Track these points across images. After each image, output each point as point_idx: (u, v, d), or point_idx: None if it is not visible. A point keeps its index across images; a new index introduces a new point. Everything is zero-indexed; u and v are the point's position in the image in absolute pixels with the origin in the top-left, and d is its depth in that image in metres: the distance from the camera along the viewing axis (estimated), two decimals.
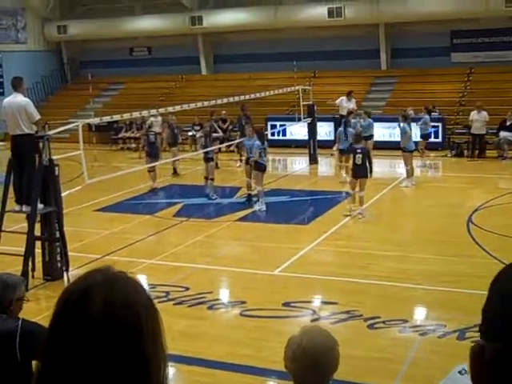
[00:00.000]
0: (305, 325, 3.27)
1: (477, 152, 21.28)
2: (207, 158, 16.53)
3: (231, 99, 18.02)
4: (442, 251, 11.50)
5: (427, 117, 20.35)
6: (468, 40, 27.17)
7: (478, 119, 21.01)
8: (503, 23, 26.09)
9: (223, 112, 22.79)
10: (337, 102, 22.56)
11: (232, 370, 7.44)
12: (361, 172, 14.19)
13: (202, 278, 10.71)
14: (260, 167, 15.13)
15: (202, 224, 14.16)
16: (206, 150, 16.56)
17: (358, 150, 14.29)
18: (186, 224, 14.27)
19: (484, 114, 21.09)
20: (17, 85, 10.85)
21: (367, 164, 14.18)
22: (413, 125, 17.58)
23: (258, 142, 15.11)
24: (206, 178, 16.59)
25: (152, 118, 21.38)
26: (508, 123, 21.32)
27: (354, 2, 27.27)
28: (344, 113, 22.39)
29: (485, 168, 19.97)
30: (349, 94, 23.28)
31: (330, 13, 27.56)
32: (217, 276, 10.98)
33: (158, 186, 18.06)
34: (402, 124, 17.42)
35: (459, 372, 2.84)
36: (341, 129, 18.11)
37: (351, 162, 14.63)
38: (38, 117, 10.54)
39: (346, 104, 22.91)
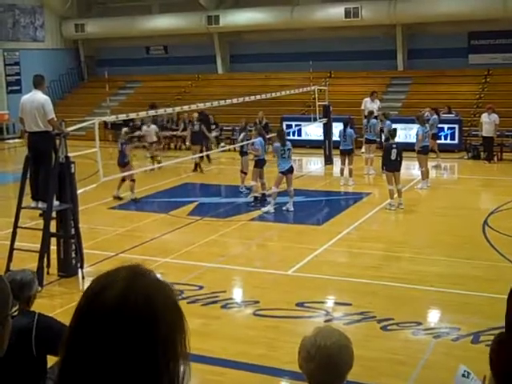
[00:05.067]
0: (318, 325, 3.26)
1: (487, 154, 21.10)
2: (242, 152, 17.11)
3: (247, 98, 18.02)
4: (456, 253, 11.45)
5: (435, 117, 20.29)
6: (486, 41, 27.00)
7: (488, 121, 20.88)
8: None
9: (260, 112, 22.68)
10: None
11: (244, 370, 7.45)
12: (395, 166, 14.88)
13: (215, 276, 10.73)
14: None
15: (216, 223, 14.18)
16: (241, 144, 17.18)
17: (394, 146, 14.94)
18: (200, 223, 14.29)
19: (495, 116, 20.93)
20: (38, 83, 10.92)
21: (400, 159, 14.95)
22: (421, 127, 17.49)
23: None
24: (242, 172, 17.12)
25: (144, 128, 21.26)
26: None
27: (371, 2, 27.19)
28: (366, 114, 22.45)
29: (501, 170, 19.83)
30: (372, 95, 23.29)
31: (347, 13, 27.50)
32: (230, 275, 10.99)
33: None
34: (418, 126, 17.42)
35: (463, 375, 2.84)
36: (341, 130, 18.11)
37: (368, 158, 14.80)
38: (52, 116, 10.59)
39: (369, 105, 22.90)
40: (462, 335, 8.16)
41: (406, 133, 22.03)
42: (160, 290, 1.44)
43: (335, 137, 20.79)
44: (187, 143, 21.47)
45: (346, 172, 17.91)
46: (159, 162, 19.84)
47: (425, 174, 17.23)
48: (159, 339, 1.38)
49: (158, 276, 1.48)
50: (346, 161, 17.85)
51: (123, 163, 16.30)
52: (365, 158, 19.73)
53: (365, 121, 20.27)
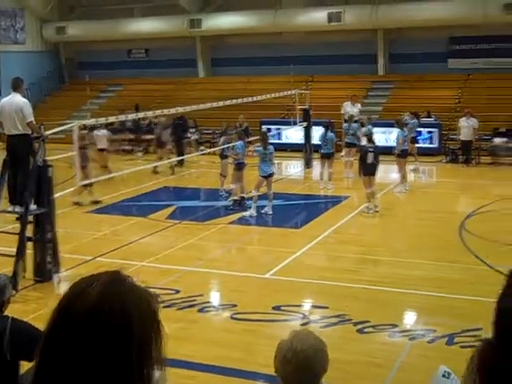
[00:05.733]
0: (294, 329, 3.29)
1: (465, 158, 21.29)
2: (222, 155, 17.19)
3: (228, 102, 18.02)
4: (433, 257, 11.51)
5: (415, 121, 20.46)
6: (466, 46, 27.25)
7: (467, 126, 21.06)
8: (502, 30, 26.15)
9: (241, 116, 22.68)
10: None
11: (221, 374, 7.45)
12: (371, 170, 14.90)
13: (193, 280, 10.72)
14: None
15: (195, 227, 14.16)
16: (221, 147, 17.28)
17: (370, 149, 14.96)
18: (178, 226, 14.27)
19: (473, 120, 21.12)
20: (17, 85, 10.89)
21: (377, 163, 15.04)
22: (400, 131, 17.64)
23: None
24: (221, 175, 17.18)
25: (95, 132, 19.10)
26: (502, 130, 21.36)
27: (353, 6, 27.34)
28: (346, 118, 22.60)
29: (479, 174, 20.01)
30: (352, 99, 23.39)
31: (330, 17, 27.61)
32: (208, 279, 10.99)
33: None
34: (397, 130, 17.56)
35: (443, 376, 2.86)
36: (322, 133, 18.17)
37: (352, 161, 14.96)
38: (31, 119, 10.55)
39: (349, 109, 23.02)
40: (437, 337, 8.22)
41: (386, 137, 22.15)
42: (137, 297, 1.44)
43: (315, 140, 20.87)
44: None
45: (325, 175, 17.97)
46: (110, 172, 17.60)
47: (403, 178, 17.34)
48: (134, 346, 1.39)
49: (138, 282, 1.49)
50: (326, 164, 17.90)
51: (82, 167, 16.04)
52: (344, 161, 19.83)
53: (345, 125, 20.39)
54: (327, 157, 17.86)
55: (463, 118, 21.40)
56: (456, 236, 12.87)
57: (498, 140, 21.30)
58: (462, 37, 27.12)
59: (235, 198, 16.00)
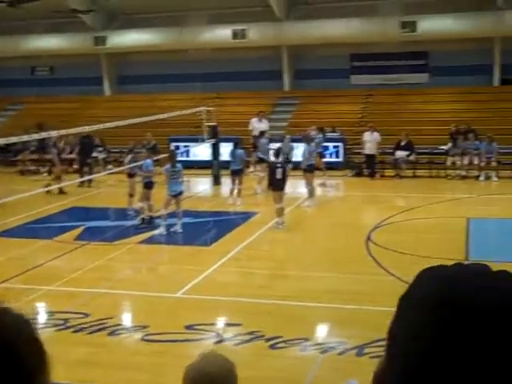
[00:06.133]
0: (203, 351, 3.26)
1: (370, 171, 21.92)
2: (130, 174, 17.12)
3: (135, 120, 17.84)
4: (342, 269, 11.74)
5: (321, 136, 20.96)
6: (366, 63, 28.12)
7: (370, 140, 21.71)
8: (399, 48, 27.19)
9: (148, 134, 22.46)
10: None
11: None
12: (280, 185, 14.98)
13: (103, 303, 10.49)
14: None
15: (104, 247, 13.90)
16: (129, 166, 17.24)
17: (278, 165, 15.05)
18: (87, 248, 13.97)
19: (376, 135, 21.82)
20: None
21: (285, 178, 15.16)
22: (307, 146, 18.05)
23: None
24: (130, 194, 16.99)
25: None
26: (403, 143, 22.11)
27: (257, 24, 27.67)
28: (257, 134, 22.94)
29: (383, 187, 20.62)
30: (259, 115, 23.76)
31: (235, 35, 27.89)
32: (118, 300, 10.79)
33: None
34: (304, 145, 17.90)
35: None
36: (231, 150, 18.41)
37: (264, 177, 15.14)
38: None
39: (257, 125, 23.35)
40: (347, 349, 8.36)
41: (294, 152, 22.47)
42: (19, 328, 1.39)
43: (223, 157, 21.02)
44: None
45: (235, 192, 18.07)
46: None
47: (311, 192, 17.63)
48: (19, 377, 1.33)
49: (20, 312, 1.43)
50: (236, 181, 18.02)
51: None
52: (255, 176, 20.00)
53: (264, 140, 20.66)
54: (236, 173, 18.01)
55: (367, 133, 22.05)
56: (363, 248, 13.18)
57: (399, 153, 22.01)
58: (363, 54, 27.99)
59: (143, 216, 15.84)
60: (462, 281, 0.90)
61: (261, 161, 20.02)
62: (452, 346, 0.85)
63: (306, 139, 18.34)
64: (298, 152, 19.98)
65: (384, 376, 0.94)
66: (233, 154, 18.20)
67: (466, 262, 0.95)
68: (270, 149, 20.33)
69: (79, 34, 29.96)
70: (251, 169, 20.91)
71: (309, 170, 17.63)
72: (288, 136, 21.32)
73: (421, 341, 0.87)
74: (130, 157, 17.46)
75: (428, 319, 0.88)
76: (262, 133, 21.13)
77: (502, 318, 0.85)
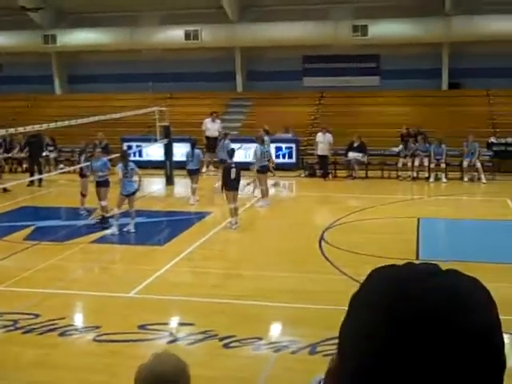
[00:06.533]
0: (155, 351, 3.25)
1: (322, 172, 22.09)
2: (82, 174, 16.95)
3: (86, 120, 17.62)
4: (296, 269, 11.80)
5: (266, 138, 21.08)
6: (318, 65, 28.36)
7: (323, 141, 21.91)
8: (351, 51, 27.52)
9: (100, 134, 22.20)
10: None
11: None
12: (234, 185, 14.99)
13: (54, 303, 10.33)
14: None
15: (55, 247, 13.69)
16: (80, 166, 17.11)
17: (233, 165, 15.10)
18: (37, 247, 13.74)
19: (328, 136, 22.02)
20: None
21: (239, 178, 15.17)
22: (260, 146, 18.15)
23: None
24: (82, 194, 16.78)
25: None
26: (355, 145, 22.36)
27: (210, 25, 27.65)
28: (210, 134, 22.98)
29: (336, 187, 20.81)
30: (212, 115, 23.81)
31: (187, 35, 27.82)
32: (70, 301, 10.63)
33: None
34: (256, 145, 17.97)
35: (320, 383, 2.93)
36: (188, 150, 18.54)
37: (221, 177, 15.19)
38: None
39: (210, 125, 23.40)
40: (300, 347, 8.41)
41: (246, 152, 22.51)
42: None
43: (176, 157, 21.00)
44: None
45: (191, 191, 18.15)
46: None
47: (265, 193, 17.70)
48: None
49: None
50: (193, 180, 18.12)
51: None
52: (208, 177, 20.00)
53: (225, 142, 20.64)
54: (194, 173, 18.13)
55: (319, 134, 22.24)
56: (316, 248, 13.28)
57: (352, 154, 22.25)
58: (315, 56, 28.23)
59: (105, 214, 15.67)
60: (412, 280, 0.91)
61: (222, 162, 20.02)
62: (403, 346, 0.85)
63: (259, 140, 18.42)
64: (250, 153, 20.05)
65: (336, 375, 0.95)
66: (191, 154, 18.25)
67: (417, 262, 0.96)
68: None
69: (28, 32, 29.48)
70: (204, 169, 20.91)
71: (261, 170, 17.71)
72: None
73: (373, 340, 0.88)
74: (83, 157, 17.35)
75: (380, 319, 0.88)
76: (226, 134, 21.23)
77: (451, 317, 0.86)
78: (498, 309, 0.92)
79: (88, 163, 16.51)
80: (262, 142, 18.34)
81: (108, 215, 15.59)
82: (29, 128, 15.94)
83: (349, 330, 0.93)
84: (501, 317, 0.92)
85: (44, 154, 23.32)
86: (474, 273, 0.96)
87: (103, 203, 15.58)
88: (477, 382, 0.85)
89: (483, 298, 0.92)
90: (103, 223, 15.49)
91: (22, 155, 23.34)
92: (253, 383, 7.56)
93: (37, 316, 9.59)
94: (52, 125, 16.29)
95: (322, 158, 22.02)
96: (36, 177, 20.61)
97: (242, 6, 27.94)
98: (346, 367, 0.92)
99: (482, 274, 0.96)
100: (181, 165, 21.81)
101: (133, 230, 14.87)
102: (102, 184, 15.58)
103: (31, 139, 22.02)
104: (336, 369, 0.95)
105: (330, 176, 22.22)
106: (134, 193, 15.13)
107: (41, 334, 9.01)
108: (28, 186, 20.42)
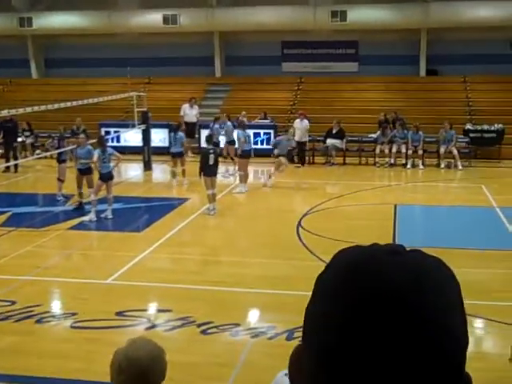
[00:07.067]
0: (131, 337, 3.26)
1: (300, 159, 22.14)
2: (60, 160, 16.85)
3: (63, 104, 17.47)
4: (273, 255, 11.85)
5: (229, 124, 21.24)
6: (297, 51, 28.34)
7: (300, 127, 21.90)
8: (330, 36, 27.50)
9: (78, 119, 22.09)
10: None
11: None
12: (212, 171, 14.97)
13: (30, 290, 10.28)
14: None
15: (32, 233, 13.60)
16: (59, 151, 16.98)
17: (211, 151, 15.01)
18: (13, 234, 13.64)
19: (305, 122, 22.01)
20: None
21: (217, 164, 15.24)
22: (241, 131, 18.27)
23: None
24: (59, 179, 16.63)
25: None
26: (334, 131, 22.40)
27: (189, 9, 27.47)
28: (188, 120, 23.09)
29: (314, 174, 20.86)
30: (190, 101, 23.90)
31: (166, 19, 27.64)
32: (47, 287, 10.58)
33: None
34: (237, 131, 18.06)
35: (286, 374, 2.96)
36: (171, 134, 19.03)
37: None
38: None
39: (188, 111, 23.48)
40: (277, 333, 8.46)
41: (221, 138, 22.47)
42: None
43: (154, 143, 21.04)
44: None
45: (178, 173, 18.54)
46: None
47: (244, 178, 17.71)
48: None
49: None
50: (179, 163, 18.46)
51: None
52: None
53: (215, 126, 21.23)
54: (178, 155, 18.49)
55: (297, 120, 22.22)
56: (293, 234, 13.33)
57: (330, 141, 22.30)
58: (294, 42, 28.19)
59: (82, 200, 15.59)
60: (374, 258, 0.91)
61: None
62: (361, 323, 0.86)
63: (241, 125, 18.58)
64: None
65: (300, 355, 0.96)
66: (174, 137, 18.67)
67: (382, 243, 0.97)
68: (221, 134, 21.21)
69: (3, 15, 29.05)
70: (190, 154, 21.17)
71: (243, 155, 17.75)
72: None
73: (332, 318, 0.88)
74: (63, 142, 17.27)
75: (340, 296, 0.89)
76: (217, 118, 21.57)
77: (408, 295, 0.86)
78: (470, 294, 0.92)
79: (66, 149, 16.38)
80: (243, 128, 18.47)
81: (85, 201, 15.50)
82: (4, 112, 15.78)
83: (312, 308, 0.93)
84: (471, 301, 0.93)
85: (20, 139, 23.09)
86: (449, 258, 0.97)
87: (91, 191, 15.30)
88: (433, 362, 0.86)
89: (445, 278, 0.92)
90: (80, 210, 15.40)
91: None
92: (230, 368, 7.60)
93: (13, 303, 9.55)
94: (28, 109, 16.10)
95: (300, 144, 22.03)
96: (12, 163, 20.40)
97: None
98: (308, 346, 0.92)
99: (456, 260, 0.98)
100: (159, 150, 21.79)
101: (110, 216, 14.82)
102: (86, 172, 15.35)
103: (5, 124, 21.77)
104: (300, 349, 0.95)
105: (308, 162, 22.26)
106: (111, 178, 15.03)
107: (17, 320, 8.97)
108: (3, 172, 20.24)
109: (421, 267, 0.90)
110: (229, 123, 21.38)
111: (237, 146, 18.50)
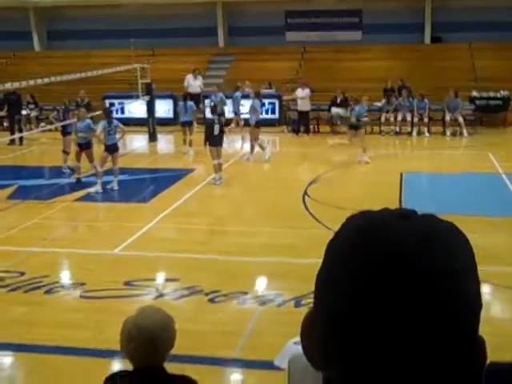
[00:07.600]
0: (141, 306, 3.28)
1: (304, 128, 22.06)
2: (64, 132, 16.80)
3: (67, 77, 17.39)
4: (280, 224, 11.85)
5: (238, 94, 21.20)
6: (301, 20, 28.09)
7: (302, 96, 21.75)
8: (333, 5, 27.24)
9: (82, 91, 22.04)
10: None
11: (72, 354, 7.27)
12: (218, 141, 14.98)
13: (38, 261, 10.34)
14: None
15: (39, 206, 13.63)
16: (64, 124, 16.97)
17: (216, 121, 15.08)
18: (20, 206, 13.68)
19: (307, 91, 21.85)
20: None
21: (222, 134, 15.25)
22: (250, 101, 18.27)
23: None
24: (64, 152, 16.61)
25: None
26: (339, 100, 22.27)
27: None
28: (192, 90, 23.05)
29: (318, 143, 20.77)
30: (194, 72, 23.88)
31: None
32: (55, 258, 10.63)
33: None
34: (252, 100, 18.09)
35: (295, 342, 2.97)
36: (181, 103, 19.18)
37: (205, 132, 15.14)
38: None
39: (192, 82, 23.48)
40: (285, 301, 8.51)
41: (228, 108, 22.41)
42: None
43: (159, 114, 21.06)
44: None
45: (187, 142, 18.59)
46: None
47: (253, 148, 17.69)
48: None
49: None
50: (188, 131, 18.56)
51: None
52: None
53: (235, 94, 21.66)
54: (188, 124, 18.64)
55: (299, 89, 22.04)
56: (300, 203, 13.33)
57: (335, 110, 22.18)
58: (298, 11, 27.93)
59: (79, 176, 15.64)
60: (384, 222, 0.89)
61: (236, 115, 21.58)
62: (372, 285, 0.85)
63: (256, 94, 18.54)
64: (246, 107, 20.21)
65: (312, 320, 0.95)
66: (184, 106, 18.81)
67: (393, 208, 0.94)
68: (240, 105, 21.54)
69: None
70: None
71: (257, 125, 17.69)
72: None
73: (343, 282, 0.87)
74: (68, 115, 17.28)
75: (350, 260, 0.88)
76: (238, 87, 21.99)
77: (419, 256, 0.85)
78: (479, 260, 0.91)
79: (71, 121, 16.35)
80: (258, 96, 18.42)
81: (83, 176, 15.54)
82: (8, 85, 15.72)
83: (323, 275, 0.92)
84: (481, 267, 0.91)
85: (24, 112, 23.04)
86: (456, 224, 0.95)
87: (94, 164, 15.31)
88: (446, 327, 0.85)
89: (459, 243, 0.90)
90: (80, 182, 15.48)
91: (2, 114, 22.95)
92: (238, 336, 7.64)
93: (22, 274, 9.61)
94: (32, 82, 16.03)
95: (303, 113, 21.90)
96: (17, 135, 20.39)
97: None
98: (318, 313, 0.92)
99: (463, 226, 0.96)
100: (163, 121, 21.77)
101: (116, 188, 14.84)
102: (85, 146, 15.34)
103: (9, 96, 21.70)
104: (311, 314, 0.94)
105: (313, 131, 22.19)
106: (117, 149, 15.03)
107: (26, 291, 9.03)
108: (9, 144, 20.24)
109: (433, 231, 0.88)
110: (237, 93, 21.51)
111: (249, 116, 18.32)
